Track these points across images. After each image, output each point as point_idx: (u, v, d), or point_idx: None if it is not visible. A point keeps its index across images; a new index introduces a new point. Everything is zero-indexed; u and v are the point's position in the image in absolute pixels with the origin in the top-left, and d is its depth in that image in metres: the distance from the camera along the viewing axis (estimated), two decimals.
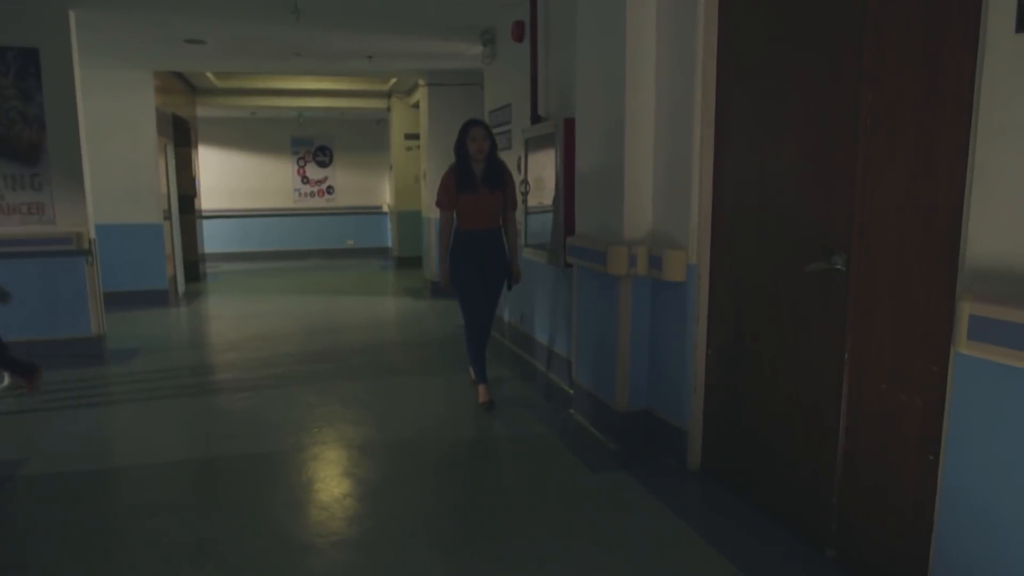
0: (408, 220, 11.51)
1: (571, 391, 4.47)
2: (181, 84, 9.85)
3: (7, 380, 4.74)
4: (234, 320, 7.75)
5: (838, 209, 2.49)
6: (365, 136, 13.89)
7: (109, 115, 8.09)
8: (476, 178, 4.34)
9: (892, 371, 2.30)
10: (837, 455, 2.55)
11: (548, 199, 4.93)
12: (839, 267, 2.48)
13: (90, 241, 5.64)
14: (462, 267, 4.41)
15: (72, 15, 5.46)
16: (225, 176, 13.47)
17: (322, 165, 14.03)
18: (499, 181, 4.41)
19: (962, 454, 2.03)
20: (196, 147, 10.90)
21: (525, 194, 5.37)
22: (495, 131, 6.50)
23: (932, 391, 2.15)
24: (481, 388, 4.52)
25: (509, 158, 5.97)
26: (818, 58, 2.57)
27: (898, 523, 2.31)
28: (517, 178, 5.68)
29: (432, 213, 8.88)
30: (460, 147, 4.35)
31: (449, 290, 4.48)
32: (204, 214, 11.82)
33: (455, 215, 4.41)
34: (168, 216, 8.81)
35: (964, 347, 1.94)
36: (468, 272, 4.41)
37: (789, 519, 2.84)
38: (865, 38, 2.34)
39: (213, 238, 12.91)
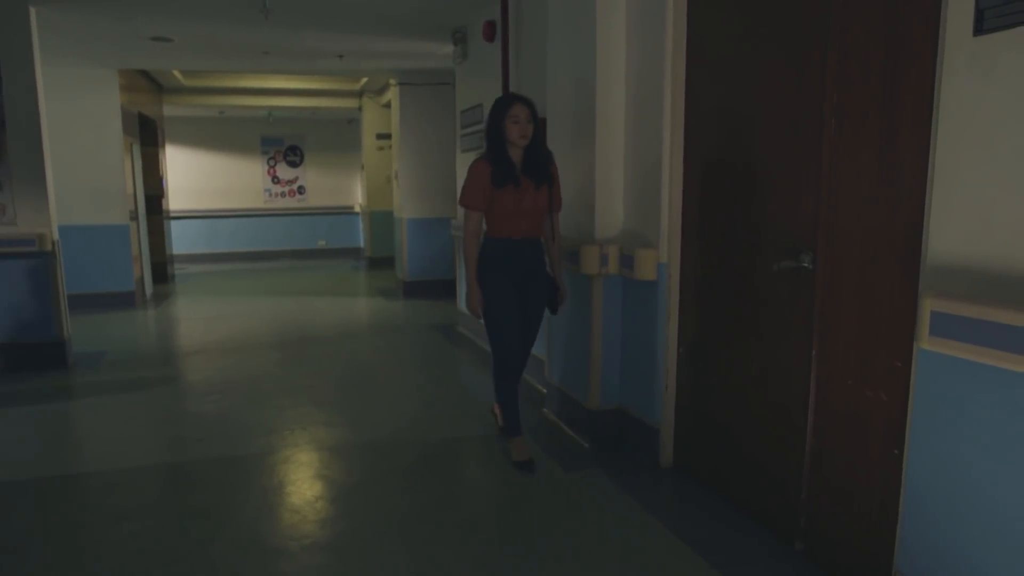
0: (380, 220, 11.46)
1: (544, 390, 4.48)
2: (147, 83, 9.69)
3: None
4: (203, 322, 7.64)
5: (805, 208, 2.53)
6: (336, 136, 13.79)
7: (73, 114, 7.93)
8: (516, 169, 3.38)
9: (858, 367, 2.35)
10: (805, 450, 2.59)
11: None
12: (806, 265, 2.52)
13: (53, 243, 5.52)
14: (496, 286, 3.40)
15: (33, 12, 5.34)
16: (193, 176, 13.28)
17: (293, 165, 13.89)
18: (545, 173, 3.45)
19: (925, 448, 2.08)
20: (163, 147, 10.73)
21: None
22: (464, 132, 6.51)
23: (896, 387, 2.20)
24: (517, 441, 3.54)
25: None
26: (784, 59, 2.61)
27: (864, 516, 2.36)
28: None
29: (406, 213, 8.85)
30: (495, 130, 3.35)
31: (479, 316, 3.45)
32: (172, 215, 11.65)
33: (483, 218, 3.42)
34: (135, 217, 8.66)
35: (926, 343, 1.99)
36: (504, 292, 3.41)
37: (759, 514, 2.88)
38: (830, 40, 2.38)
39: (181, 239, 12.73)
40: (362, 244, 13.25)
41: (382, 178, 11.32)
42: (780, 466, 2.73)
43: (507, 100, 3.40)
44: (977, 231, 1.89)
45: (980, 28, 1.83)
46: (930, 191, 2.01)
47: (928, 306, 1.96)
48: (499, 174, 3.34)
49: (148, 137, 9.82)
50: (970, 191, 1.90)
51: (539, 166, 3.41)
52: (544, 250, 3.58)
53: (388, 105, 10.02)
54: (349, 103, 11.45)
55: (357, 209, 13.93)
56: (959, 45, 1.89)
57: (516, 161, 3.38)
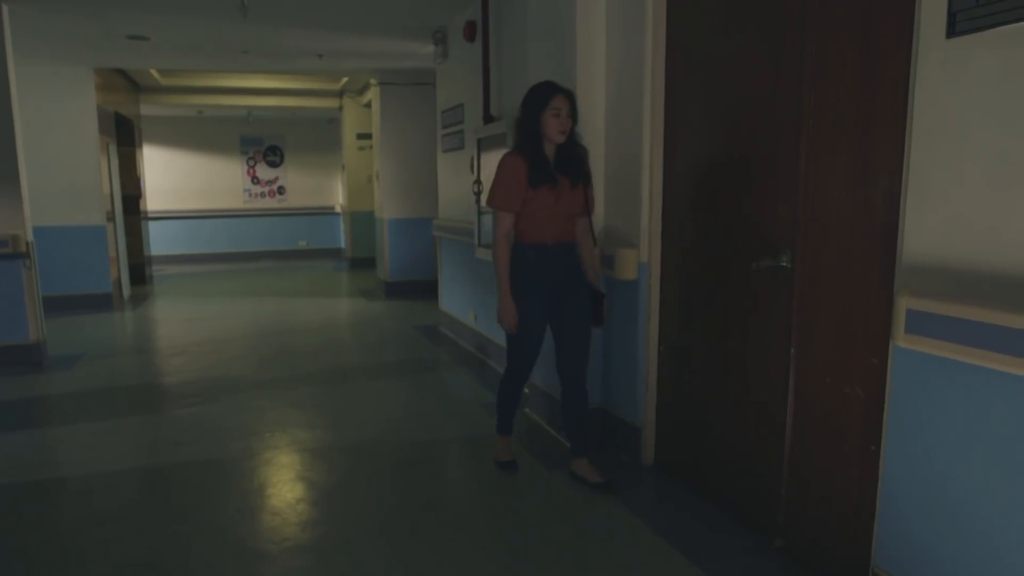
0: (361, 221, 11.41)
1: (527, 391, 4.48)
2: (124, 82, 9.57)
3: None
4: (182, 324, 7.56)
5: (784, 207, 2.56)
6: (317, 136, 13.71)
7: (48, 114, 7.83)
8: (551, 167, 3.11)
9: (836, 365, 2.37)
10: (785, 447, 2.62)
11: None
12: (785, 264, 2.55)
13: (27, 244, 5.44)
14: (527, 299, 3.12)
15: (5, 9, 5.26)
16: (172, 176, 13.15)
17: (273, 165, 13.80)
18: (581, 172, 3.15)
19: (901, 444, 2.11)
20: (140, 146, 10.61)
21: (478, 194, 5.37)
22: (445, 132, 6.50)
23: (873, 384, 2.22)
24: (504, 441, 3.49)
25: (462, 158, 5.97)
26: (763, 59, 2.64)
27: (842, 512, 2.39)
28: (481, 177, 5.63)
29: (387, 213, 8.81)
30: (531, 122, 3.02)
31: (514, 331, 3.16)
32: (150, 215, 11.52)
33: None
34: (111, 217, 8.55)
35: (902, 340, 2.01)
36: (535, 306, 3.13)
37: (739, 511, 2.90)
38: (807, 41, 2.40)
39: (160, 240, 12.59)
40: (343, 245, 13.19)
41: (363, 178, 11.27)
42: (760, 463, 2.75)
43: (548, 90, 3.02)
44: (951, 230, 1.92)
45: (953, 30, 1.85)
46: (905, 190, 2.04)
47: (903, 304, 1.99)
48: (536, 173, 3.01)
49: (125, 137, 9.70)
50: (944, 190, 1.93)
51: (576, 164, 3.10)
52: (578, 258, 3.25)
53: (369, 105, 9.98)
54: (329, 103, 11.39)
55: (338, 209, 13.85)
56: (932, 47, 1.92)
57: (549, 157, 3.08)
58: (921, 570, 2.07)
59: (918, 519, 2.07)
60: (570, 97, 3.03)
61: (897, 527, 2.14)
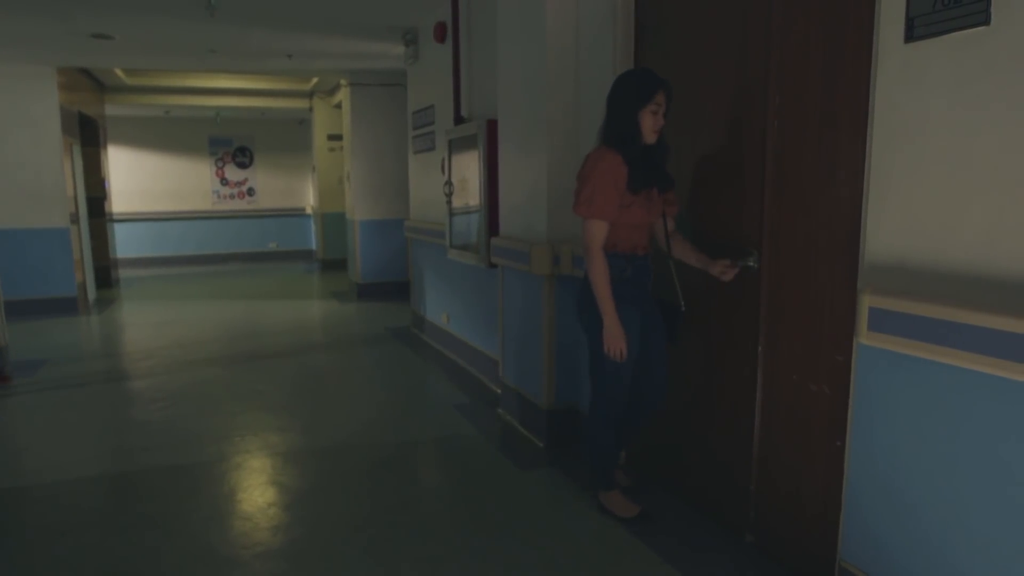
0: (332, 222, 11.33)
1: (498, 390, 4.49)
2: (88, 81, 9.39)
3: None
4: (150, 327, 7.44)
5: (751, 209, 2.60)
6: (287, 136, 13.58)
7: (9, 113, 7.67)
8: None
9: (802, 362, 2.42)
10: (753, 444, 2.66)
11: (473, 200, 4.94)
12: (752, 264, 2.59)
13: None
14: (625, 318, 2.74)
15: None
16: (138, 178, 12.92)
17: (242, 166, 13.63)
18: (669, 176, 2.81)
19: (865, 439, 2.15)
20: (105, 147, 10.41)
21: (449, 195, 5.36)
22: (416, 133, 6.49)
23: (838, 380, 2.27)
24: (619, 496, 2.97)
25: (433, 159, 5.96)
26: (729, 63, 2.67)
27: (810, 507, 2.43)
28: (469, 176, 5.62)
29: (358, 214, 8.76)
30: (630, 118, 2.66)
31: (623, 357, 2.73)
32: (116, 217, 11.31)
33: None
34: (76, 219, 8.38)
35: (865, 338, 2.06)
36: (631, 324, 2.77)
37: (709, 507, 2.94)
38: (771, 45, 2.44)
39: (127, 243, 12.37)
40: (314, 246, 13.07)
41: (334, 179, 11.19)
42: (730, 459, 2.79)
43: (653, 82, 2.65)
44: (910, 230, 1.97)
45: (910, 35, 1.90)
46: (867, 191, 2.09)
47: (866, 302, 2.03)
48: (638, 176, 2.67)
49: (89, 137, 9.51)
50: (903, 191, 1.98)
51: (664, 167, 2.79)
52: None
53: (339, 106, 9.91)
54: (299, 103, 11.29)
55: (309, 211, 13.74)
56: (891, 52, 1.97)
57: None
58: (885, 565, 2.12)
59: (881, 514, 2.12)
60: (671, 92, 2.69)
61: (862, 522, 2.19)
